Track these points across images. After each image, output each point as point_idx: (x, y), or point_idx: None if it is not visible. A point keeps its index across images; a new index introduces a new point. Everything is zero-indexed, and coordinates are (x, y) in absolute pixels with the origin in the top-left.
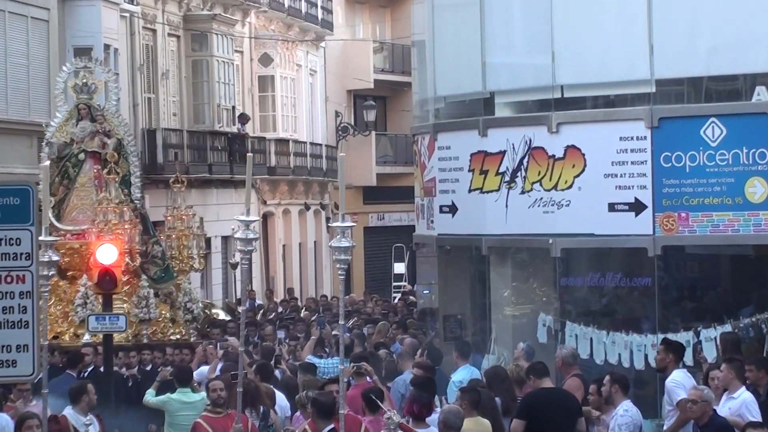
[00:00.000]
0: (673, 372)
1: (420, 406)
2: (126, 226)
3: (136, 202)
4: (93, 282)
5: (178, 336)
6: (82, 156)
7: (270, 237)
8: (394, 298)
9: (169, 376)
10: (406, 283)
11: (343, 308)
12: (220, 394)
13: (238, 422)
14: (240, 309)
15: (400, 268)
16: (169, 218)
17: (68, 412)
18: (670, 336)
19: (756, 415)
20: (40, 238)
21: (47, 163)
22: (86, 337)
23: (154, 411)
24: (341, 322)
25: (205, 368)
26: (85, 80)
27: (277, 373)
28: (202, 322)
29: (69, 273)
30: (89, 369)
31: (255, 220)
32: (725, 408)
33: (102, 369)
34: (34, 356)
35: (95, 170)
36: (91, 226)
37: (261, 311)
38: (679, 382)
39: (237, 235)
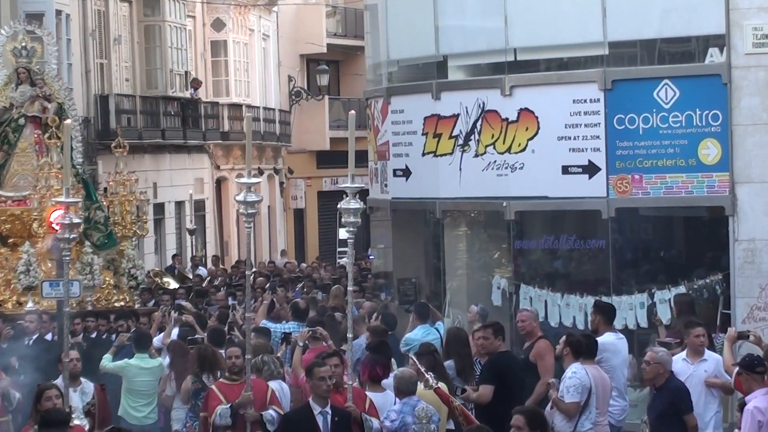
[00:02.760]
0: (604, 334)
1: (383, 367)
2: None
3: (78, 167)
4: (38, 248)
5: (122, 303)
6: (22, 121)
7: (224, 202)
8: (339, 264)
9: (127, 341)
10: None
11: (352, 275)
12: (235, 362)
13: (248, 390)
14: (248, 272)
15: (344, 233)
16: (111, 183)
17: (59, 381)
18: (625, 298)
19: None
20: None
21: (69, 121)
22: (30, 305)
23: (109, 376)
24: (350, 288)
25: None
26: (24, 44)
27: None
28: (154, 290)
29: (10, 240)
30: (33, 337)
31: (257, 182)
32: (700, 370)
33: (48, 337)
34: None
35: (36, 135)
36: (33, 192)
37: (207, 279)
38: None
39: (238, 198)
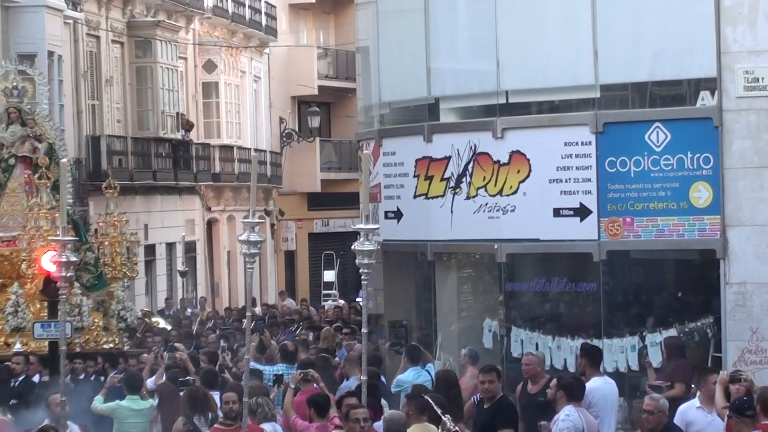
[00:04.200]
0: (591, 378)
1: (375, 411)
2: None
3: (68, 208)
4: (26, 289)
5: (111, 345)
6: (12, 161)
7: (215, 243)
8: (323, 307)
9: (119, 383)
10: (335, 292)
11: (366, 316)
12: (232, 407)
13: None
14: (248, 314)
15: (329, 276)
16: (101, 224)
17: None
18: (616, 341)
19: None
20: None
21: (65, 160)
22: (17, 346)
23: (99, 418)
24: (364, 330)
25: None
26: (15, 83)
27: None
28: (142, 331)
29: None
30: (20, 379)
31: (260, 222)
32: (718, 419)
33: (35, 379)
34: None
35: (26, 175)
36: (22, 233)
37: (198, 320)
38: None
39: (241, 238)
